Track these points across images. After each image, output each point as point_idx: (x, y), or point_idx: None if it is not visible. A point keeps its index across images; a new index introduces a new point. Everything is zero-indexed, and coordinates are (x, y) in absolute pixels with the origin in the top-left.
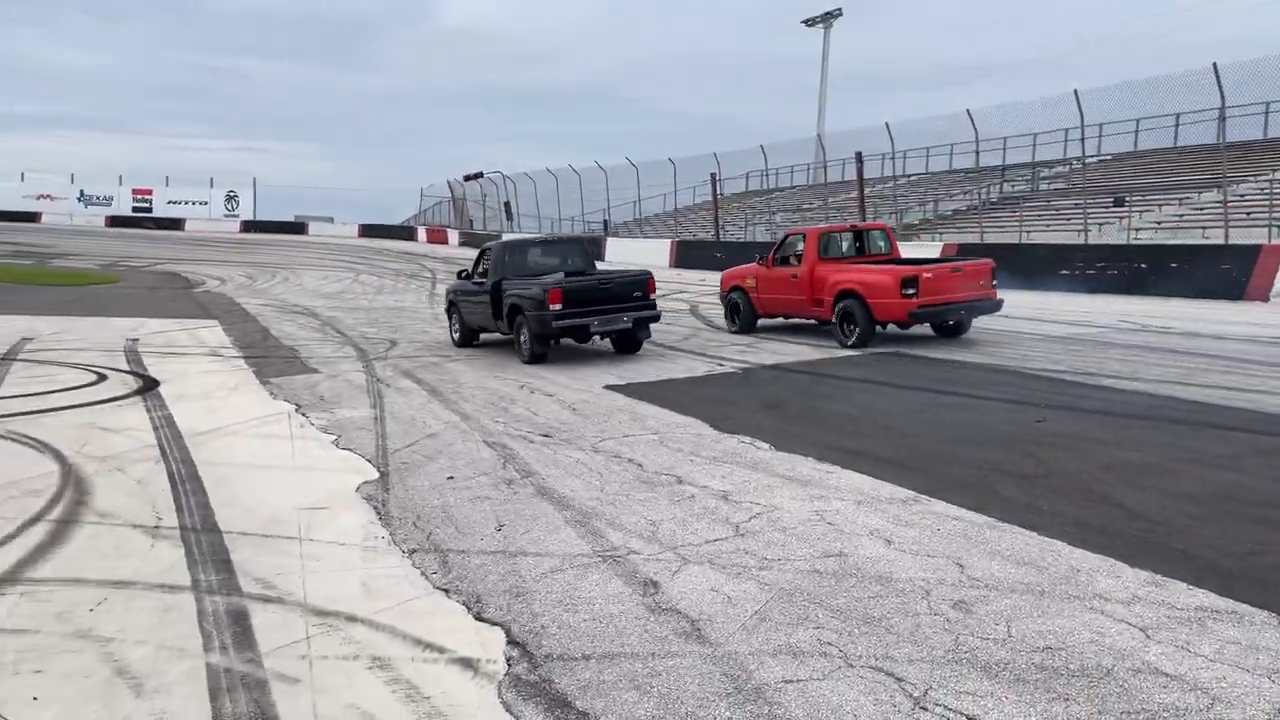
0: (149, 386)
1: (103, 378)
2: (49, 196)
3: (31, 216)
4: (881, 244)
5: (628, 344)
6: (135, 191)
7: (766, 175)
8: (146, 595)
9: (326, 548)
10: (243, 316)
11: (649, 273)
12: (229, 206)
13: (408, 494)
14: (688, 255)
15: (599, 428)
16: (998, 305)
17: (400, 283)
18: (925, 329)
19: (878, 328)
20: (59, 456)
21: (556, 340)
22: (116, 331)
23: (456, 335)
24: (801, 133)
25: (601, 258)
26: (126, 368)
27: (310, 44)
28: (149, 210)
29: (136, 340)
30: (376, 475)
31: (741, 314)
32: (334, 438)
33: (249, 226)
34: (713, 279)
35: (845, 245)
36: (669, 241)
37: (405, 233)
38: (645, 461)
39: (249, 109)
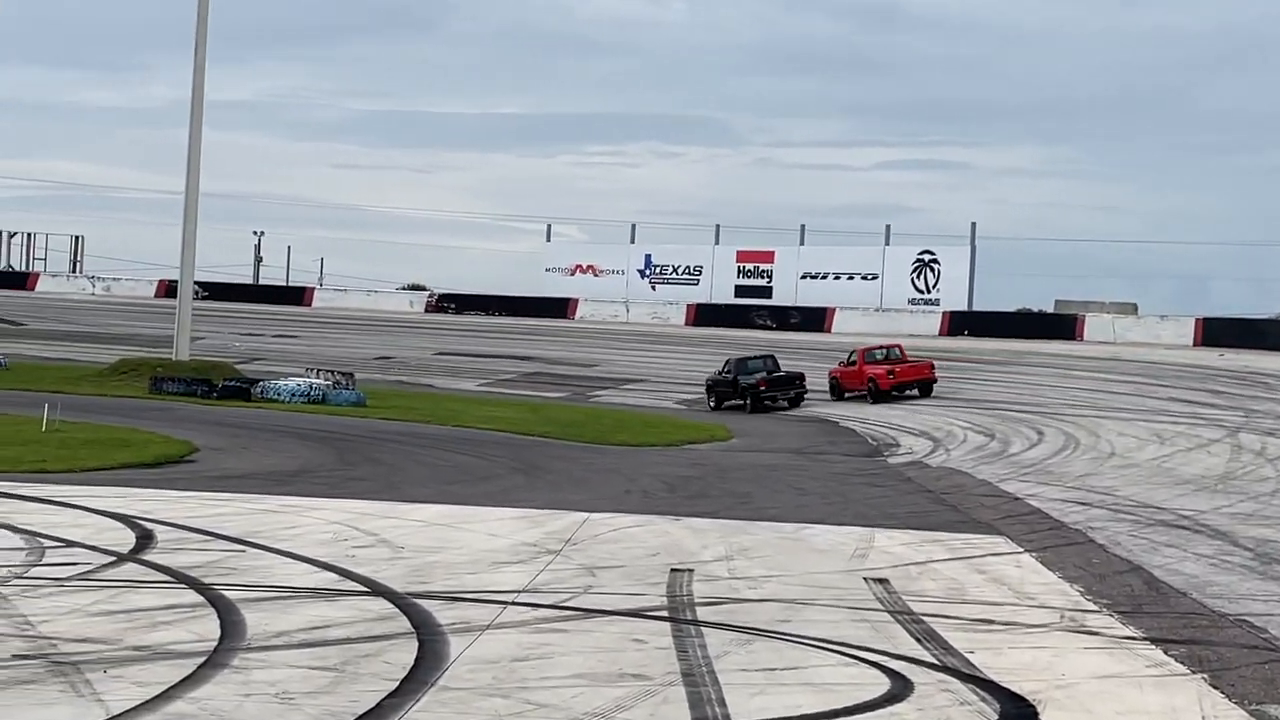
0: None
1: (902, 683)
2: (590, 269)
3: (558, 307)
4: (898, 353)
5: (793, 404)
6: (740, 257)
7: None
8: None
9: None
10: (1051, 527)
11: (802, 373)
12: (921, 282)
13: None
14: None
15: None
16: (933, 380)
17: None
18: None
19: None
20: None
21: (768, 401)
22: (826, 554)
23: (713, 403)
24: None
25: None
26: (925, 654)
27: None
28: (766, 292)
29: (885, 581)
30: None
31: (837, 390)
32: None
33: (961, 323)
34: None
35: (879, 354)
36: None
37: None
38: None
39: (924, 84)
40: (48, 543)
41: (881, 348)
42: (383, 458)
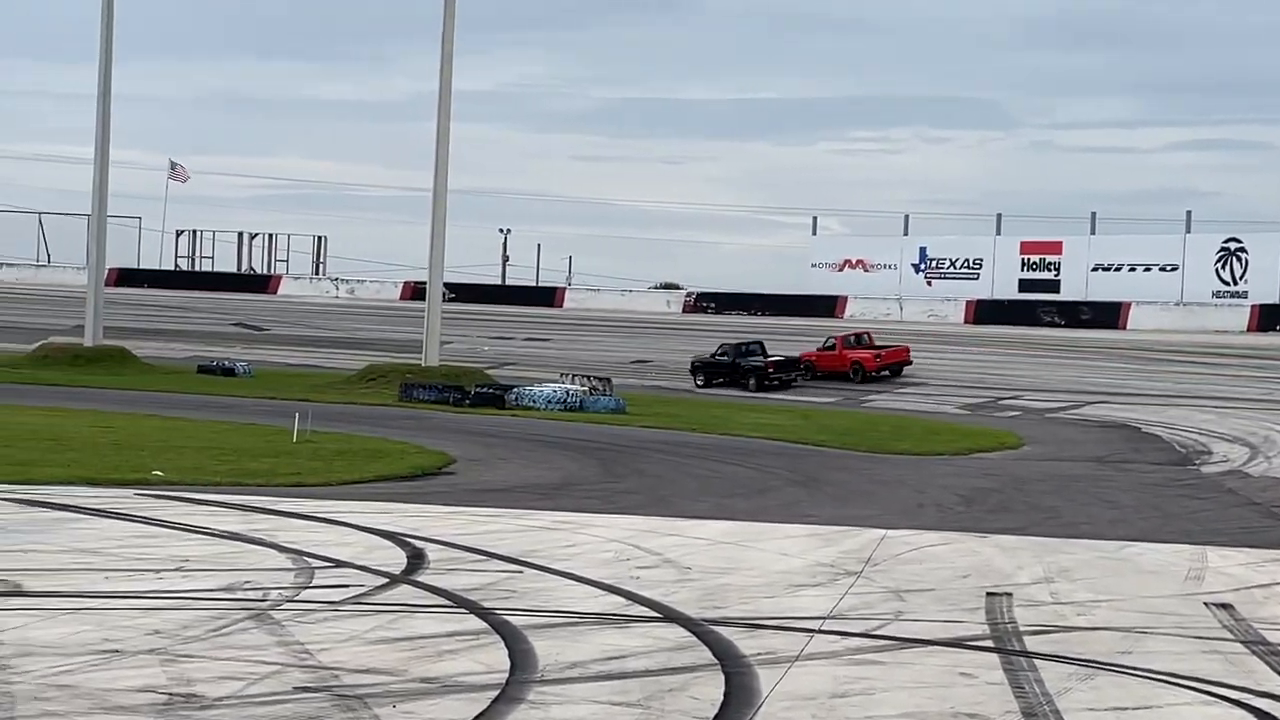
0: None
1: None
2: (860, 264)
3: (826, 305)
4: (867, 339)
5: (785, 385)
6: (1024, 248)
7: None
8: None
9: None
10: None
11: (799, 356)
12: (1227, 273)
13: None
14: None
15: None
16: (908, 361)
17: None
18: None
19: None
20: None
21: (772, 382)
22: (1156, 576)
23: (700, 381)
24: None
25: None
26: None
27: None
28: (1053, 286)
29: (1228, 606)
30: None
31: (811, 372)
32: None
33: (1272, 318)
34: None
35: (854, 340)
36: None
37: None
38: None
39: (1217, 56)
40: (315, 563)
41: (854, 334)
42: (649, 469)
